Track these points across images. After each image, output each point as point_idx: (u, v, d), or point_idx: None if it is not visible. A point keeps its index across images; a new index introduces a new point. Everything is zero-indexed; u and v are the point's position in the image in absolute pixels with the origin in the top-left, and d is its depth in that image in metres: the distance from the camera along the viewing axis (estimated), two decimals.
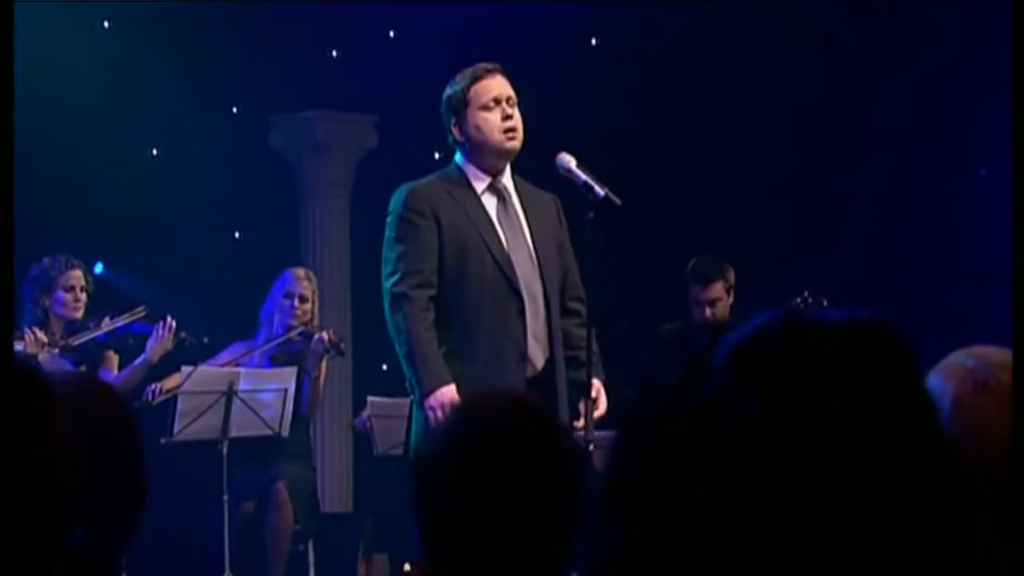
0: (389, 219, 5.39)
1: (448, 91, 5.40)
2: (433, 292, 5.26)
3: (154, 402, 7.10)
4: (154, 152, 9.32)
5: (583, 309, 5.44)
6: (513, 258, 5.32)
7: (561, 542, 2.17)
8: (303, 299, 7.54)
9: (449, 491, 2.16)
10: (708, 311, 7.14)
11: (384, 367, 9.01)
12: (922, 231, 8.00)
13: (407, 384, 5.28)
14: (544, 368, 5.31)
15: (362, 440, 8.37)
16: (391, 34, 9.21)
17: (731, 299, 7.20)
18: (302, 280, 7.58)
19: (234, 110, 9.39)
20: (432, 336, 5.20)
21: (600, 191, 5.32)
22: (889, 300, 7.90)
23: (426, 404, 5.15)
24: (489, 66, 5.42)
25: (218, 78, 9.00)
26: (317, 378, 7.55)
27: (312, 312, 7.60)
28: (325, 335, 7.45)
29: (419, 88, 8.56)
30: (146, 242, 8.96)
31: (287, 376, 7.25)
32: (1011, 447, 1.72)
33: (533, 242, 5.36)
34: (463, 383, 5.13)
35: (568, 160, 5.42)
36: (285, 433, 7.27)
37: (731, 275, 7.20)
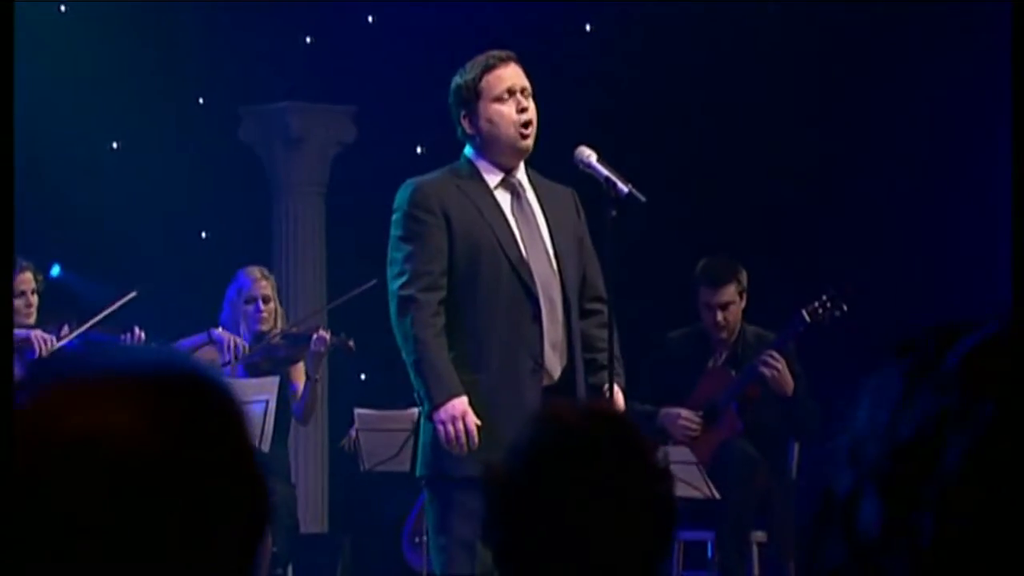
0: (395, 216, 5.30)
1: (457, 80, 5.28)
2: (443, 295, 5.16)
3: None
4: (114, 145, 9.26)
5: (604, 309, 5.35)
6: (529, 259, 5.22)
7: (649, 568, 2.14)
8: (266, 300, 7.46)
9: (526, 513, 2.12)
10: (719, 316, 7.07)
11: (362, 376, 8.89)
12: (950, 230, 7.99)
13: (415, 395, 5.19)
14: (562, 377, 5.21)
15: (339, 455, 8.21)
16: (369, 19, 9.14)
17: (743, 303, 7.14)
18: (260, 281, 7.49)
19: (200, 101, 9.32)
20: (442, 344, 5.11)
21: (624, 187, 5.25)
22: (914, 302, 7.95)
23: (435, 417, 5.08)
24: (502, 54, 5.31)
25: (183, 66, 8.93)
26: (318, 381, 7.48)
27: (277, 311, 7.51)
28: (326, 334, 7.37)
29: (400, 77, 8.92)
30: (105, 242, 8.84)
31: (269, 386, 7.09)
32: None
33: (552, 241, 5.27)
34: (473, 394, 5.06)
35: (588, 154, 5.34)
36: (266, 448, 7.12)
37: (744, 277, 7.13)
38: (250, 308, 7.43)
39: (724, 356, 7.16)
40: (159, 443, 1.24)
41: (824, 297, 6.89)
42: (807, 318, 6.89)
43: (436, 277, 5.15)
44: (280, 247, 9.45)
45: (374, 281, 7.38)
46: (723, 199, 8.30)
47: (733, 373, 7.07)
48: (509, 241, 5.21)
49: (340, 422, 7.99)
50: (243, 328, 7.46)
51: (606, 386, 5.26)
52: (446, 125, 9.03)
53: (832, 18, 8.07)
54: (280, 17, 8.97)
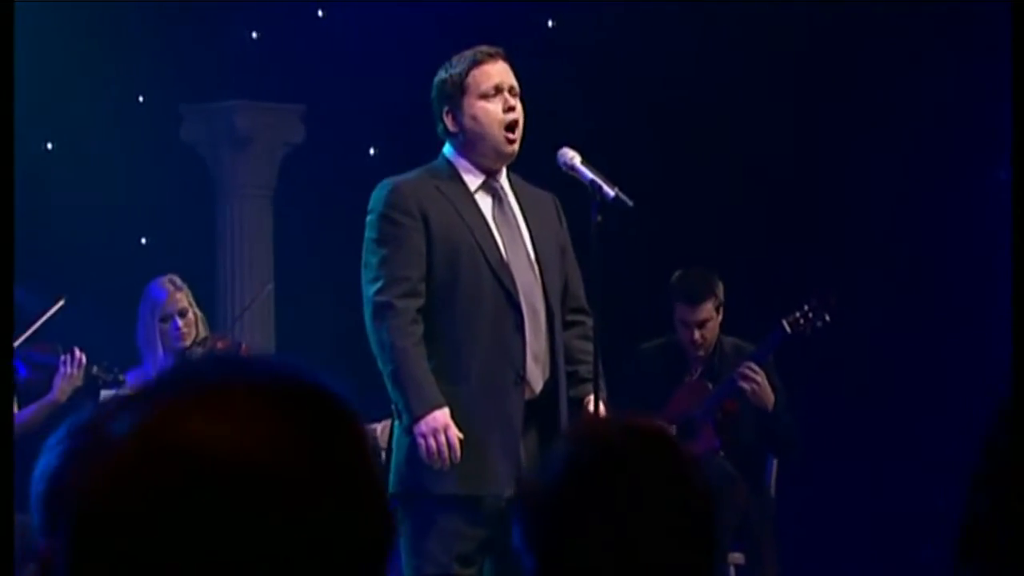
0: (370, 218, 5.27)
1: (442, 75, 5.25)
2: (421, 302, 5.13)
3: None
4: (48, 146, 9.11)
5: (587, 320, 5.37)
6: (512, 266, 5.20)
7: None
8: (182, 313, 7.26)
9: (565, 532, 2.12)
10: (696, 334, 7.03)
11: None
12: (933, 239, 7.99)
13: (392, 407, 5.14)
14: (544, 390, 5.19)
15: None
16: (319, 13, 9.07)
17: (720, 317, 7.08)
18: (173, 295, 7.30)
19: (140, 99, 9.18)
20: (422, 353, 5.08)
21: (610, 191, 5.22)
22: (898, 314, 7.93)
23: (416, 430, 5.03)
24: (491, 50, 5.30)
25: (122, 62, 8.79)
26: None
27: (196, 319, 7.33)
28: (222, 343, 7.28)
29: (351, 75, 8.92)
30: (38, 249, 8.63)
31: None
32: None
33: (534, 248, 5.26)
34: (453, 406, 5.03)
35: (572, 156, 5.31)
36: None
37: (721, 290, 7.08)
38: (167, 327, 7.22)
39: (700, 369, 7.11)
40: (286, 463, 1.22)
41: (806, 307, 6.83)
42: (788, 329, 6.83)
43: (414, 283, 5.12)
44: (225, 253, 9.37)
45: (270, 286, 7.24)
46: (698, 202, 8.25)
47: (710, 386, 7.02)
48: (490, 247, 5.18)
49: None
50: (164, 347, 7.25)
51: (588, 399, 5.22)
52: (400, 125, 9.01)
53: (811, 18, 8.08)
54: (225, 11, 8.91)
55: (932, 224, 7.96)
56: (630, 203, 5.18)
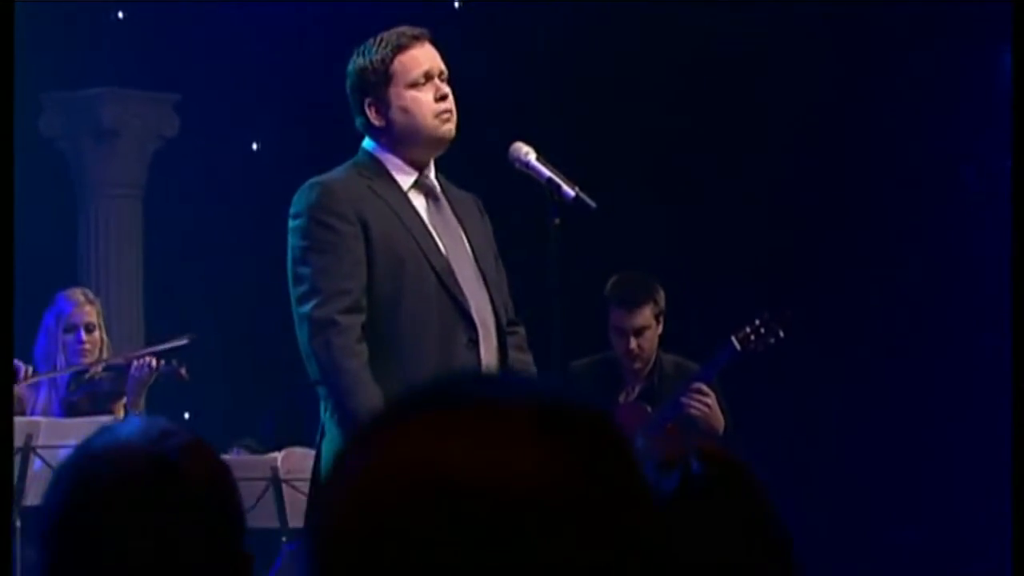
0: (296, 223, 5.05)
1: (360, 62, 5.08)
2: (364, 318, 4.97)
3: None
4: None
5: (520, 330, 5.28)
6: (458, 275, 5.08)
7: None
8: (89, 328, 7.32)
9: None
10: (633, 342, 6.93)
11: (186, 415, 8.58)
12: (897, 245, 8.00)
13: (321, 430, 4.98)
14: None
15: None
16: None
17: (660, 328, 7.00)
18: (83, 306, 7.35)
19: None
20: (371, 376, 4.89)
21: (569, 191, 5.11)
22: (858, 329, 7.89)
23: None
24: (415, 31, 5.14)
25: None
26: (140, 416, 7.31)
27: (103, 341, 7.38)
28: (151, 359, 7.23)
29: (232, 60, 8.80)
30: None
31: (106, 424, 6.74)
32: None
33: (474, 254, 5.16)
34: None
35: (526, 151, 5.18)
36: None
37: (661, 297, 6.99)
38: (70, 338, 7.28)
39: (638, 389, 7.01)
40: (559, 493, 1.22)
41: (757, 321, 6.78)
42: (737, 346, 6.77)
43: (357, 296, 4.96)
44: (88, 259, 9.31)
45: (186, 341, 7.11)
46: (634, 205, 8.14)
47: (648, 409, 6.91)
48: (435, 254, 5.06)
49: None
50: (61, 361, 7.30)
51: None
52: (287, 117, 8.85)
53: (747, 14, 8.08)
54: None
55: (905, 230, 8.00)
56: (593, 205, 5.08)
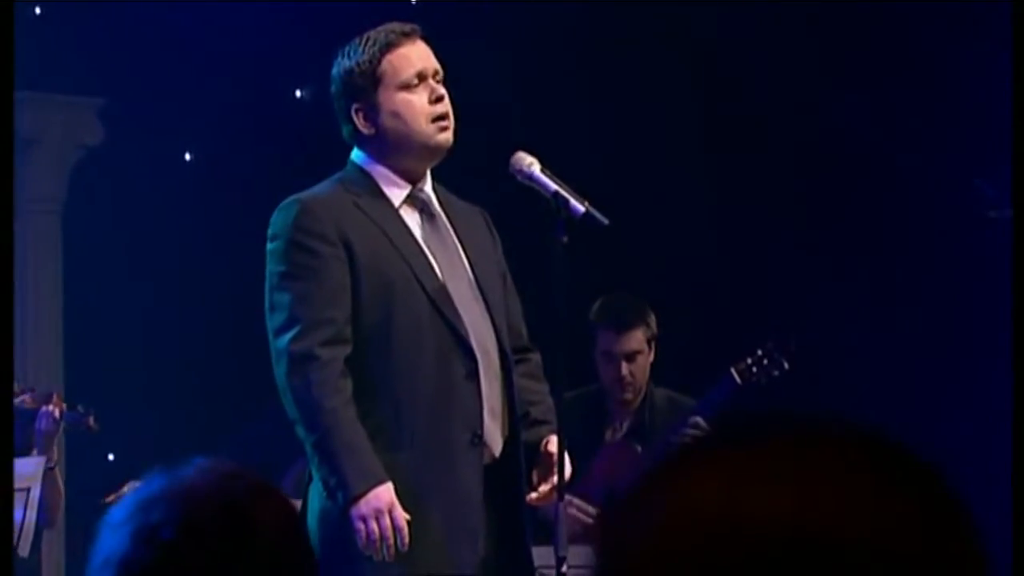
0: (274, 246, 4.98)
1: (346, 63, 5.02)
2: (349, 350, 4.92)
3: None
4: None
5: (534, 356, 5.23)
6: (456, 300, 5.01)
7: None
8: None
9: None
10: (624, 368, 6.86)
11: (111, 457, 8.37)
12: (906, 270, 8.01)
13: (322, 484, 4.86)
14: (504, 453, 4.98)
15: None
16: None
17: (652, 354, 6.94)
18: None
19: None
20: (355, 415, 4.85)
21: (579, 206, 5.10)
22: (867, 354, 7.77)
23: (355, 513, 4.79)
24: (406, 28, 5.09)
25: None
26: (53, 469, 7.11)
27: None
28: (53, 408, 7.06)
29: (162, 61, 8.64)
30: None
31: (32, 471, 6.75)
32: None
33: (475, 275, 5.11)
34: (394, 479, 4.79)
35: (530, 163, 5.15)
36: (24, 553, 6.85)
37: (653, 321, 6.94)
38: None
39: (625, 425, 6.92)
40: (894, 546, 1.23)
41: (759, 352, 6.79)
42: (737, 378, 6.74)
43: (340, 326, 4.90)
44: None
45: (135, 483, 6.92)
46: (623, 225, 7.95)
47: (638, 448, 6.85)
48: (429, 277, 5.01)
49: (81, 523, 7.43)
50: None
51: (545, 442, 5.03)
52: (224, 125, 8.61)
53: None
54: None
55: (915, 252, 8.03)
56: (605, 221, 5.06)
